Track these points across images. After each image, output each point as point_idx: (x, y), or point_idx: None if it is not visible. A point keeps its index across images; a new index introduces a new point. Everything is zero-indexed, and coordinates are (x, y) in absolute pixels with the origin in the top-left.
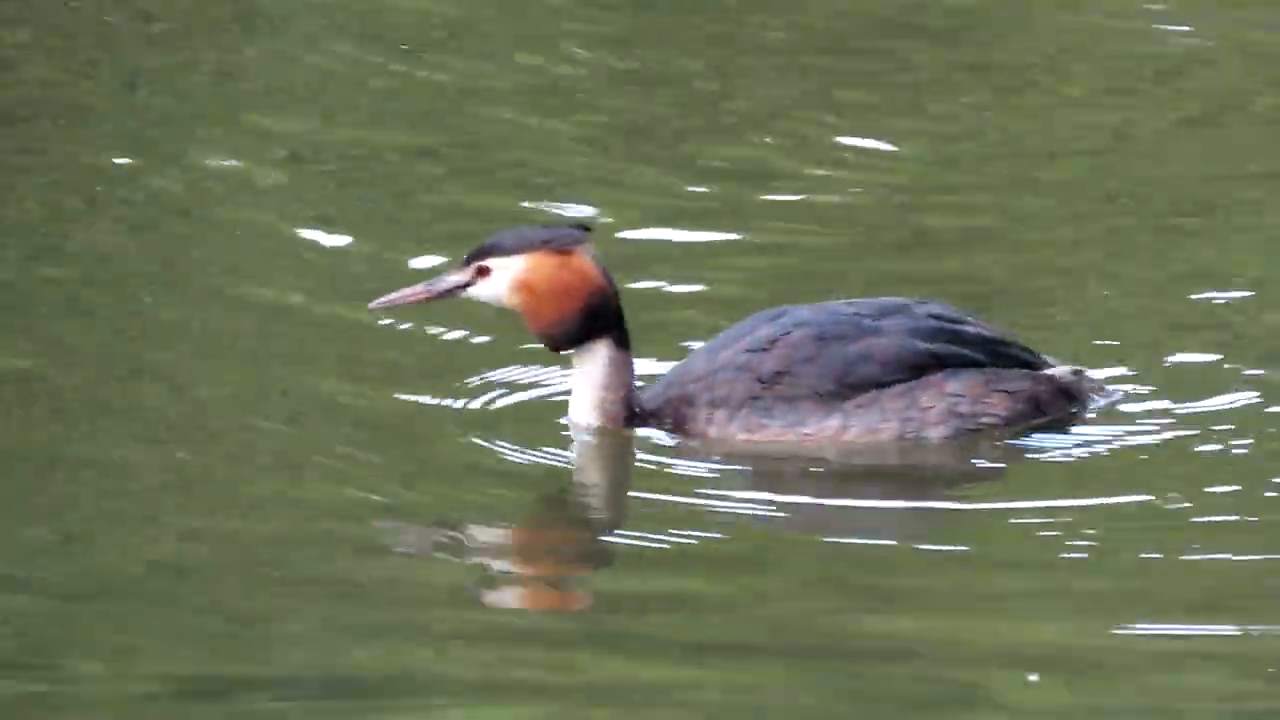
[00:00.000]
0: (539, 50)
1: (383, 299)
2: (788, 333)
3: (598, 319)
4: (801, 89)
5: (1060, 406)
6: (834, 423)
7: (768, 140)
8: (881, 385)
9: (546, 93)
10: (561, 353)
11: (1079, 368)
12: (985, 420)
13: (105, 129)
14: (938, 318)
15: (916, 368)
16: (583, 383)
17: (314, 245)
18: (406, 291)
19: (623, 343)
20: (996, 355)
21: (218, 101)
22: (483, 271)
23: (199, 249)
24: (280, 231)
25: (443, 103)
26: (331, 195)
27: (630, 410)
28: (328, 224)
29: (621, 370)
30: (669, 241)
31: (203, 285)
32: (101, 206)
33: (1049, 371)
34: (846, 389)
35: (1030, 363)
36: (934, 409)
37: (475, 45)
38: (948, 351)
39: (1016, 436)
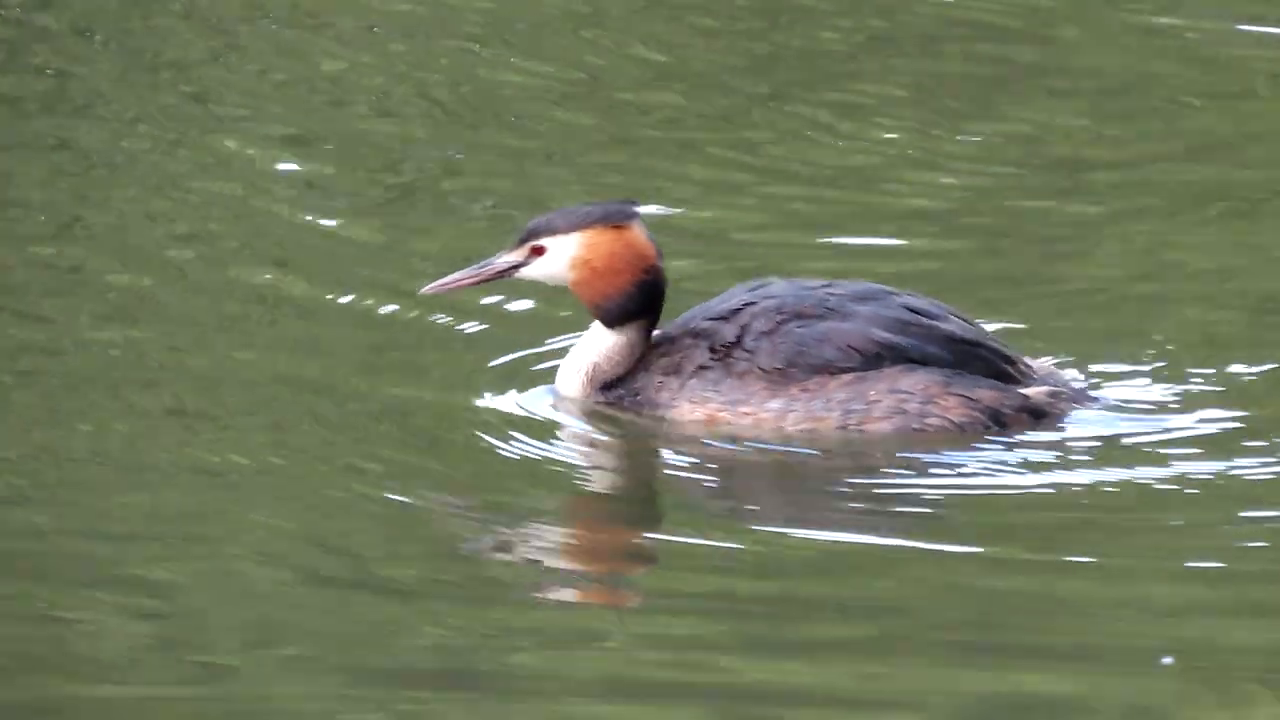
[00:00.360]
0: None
1: (435, 283)
2: (751, 304)
3: (652, 293)
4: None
5: (1024, 424)
6: (776, 405)
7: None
8: (834, 372)
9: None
10: (614, 329)
11: (1059, 389)
12: (932, 422)
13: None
14: (912, 310)
15: (873, 358)
16: (586, 351)
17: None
18: (459, 275)
19: (650, 328)
20: (967, 358)
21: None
22: (537, 250)
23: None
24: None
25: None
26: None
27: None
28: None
29: (633, 354)
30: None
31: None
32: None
33: (1023, 389)
34: (796, 370)
35: (1004, 373)
36: (880, 403)
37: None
38: (908, 345)
39: (967, 446)
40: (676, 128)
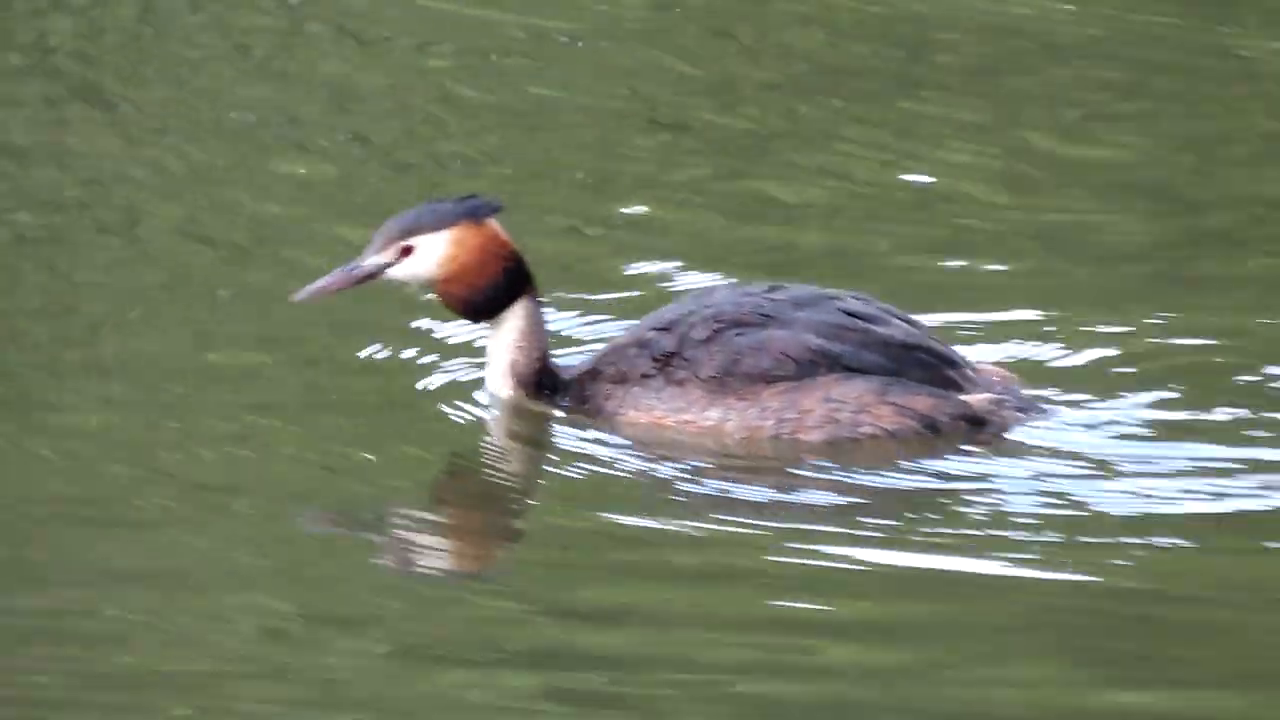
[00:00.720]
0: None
1: (305, 290)
2: (692, 312)
3: (515, 282)
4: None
5: (962, 431)
6: (714, 414)
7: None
8: (769, 380)
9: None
10: (482, 322)
11: (1005, 395)
12: (865, 431)
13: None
14: (851, 314)
15: (808, 365)
16: (498, 347)
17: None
18: (327, 280)
19: (539, 306)
20: (906, 363)
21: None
22: (406, 250)
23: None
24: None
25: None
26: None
27: (541, 381)
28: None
29: (536, 329)
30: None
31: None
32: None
33: (963, 396)
34: (733, 379)
35: (946, 378)
36: (813, 413)
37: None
38: (842, 352)
39: (913, 454)
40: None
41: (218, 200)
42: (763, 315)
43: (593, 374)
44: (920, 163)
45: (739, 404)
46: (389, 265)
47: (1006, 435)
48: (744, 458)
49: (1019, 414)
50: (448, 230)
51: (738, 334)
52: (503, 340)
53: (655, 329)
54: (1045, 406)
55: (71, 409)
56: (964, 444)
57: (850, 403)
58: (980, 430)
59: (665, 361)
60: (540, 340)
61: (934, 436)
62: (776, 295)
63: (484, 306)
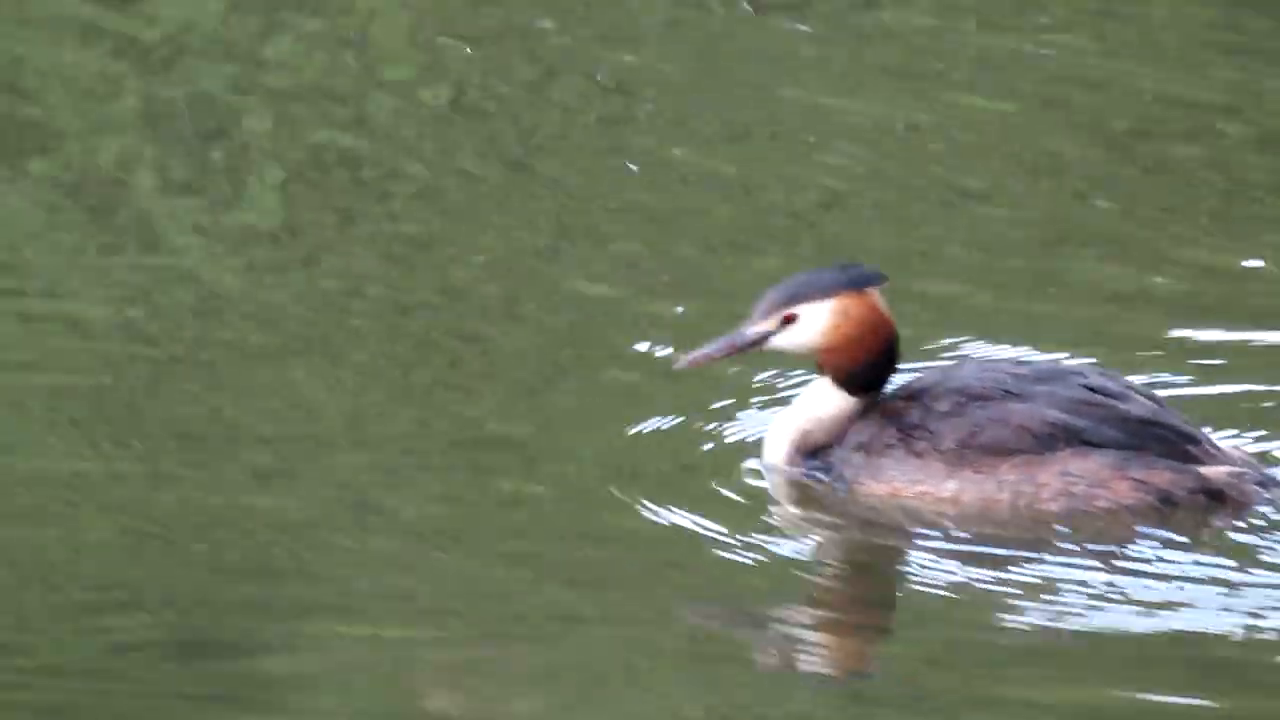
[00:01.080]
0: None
1: (691, 355)
2: (937, 383)
3: (892, 360)
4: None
5: (1201, 505)
6: (952, 485)
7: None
8: (1007, 453)
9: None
10: (859, 396)
11: (1245, 469)
12: (1101, 505)
13: None
14: (1092, 389)
15: (1046, 439)
16: (799, 415)
17: None
18: (713, 347)
19: (872, 399)
20: (1146, 438)
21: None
22: (789, 319)
23: None
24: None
25: None
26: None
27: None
28: None
29: (847, 424)
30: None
31: None
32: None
33: (1201, 469)
34: (971, 451)
35: (1185, 453)
36: (1049, 486)
37: None
38: (1083, 426)
39: (1154, 526)
40: None
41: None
42: (1004, 390)
43: (838, 439)
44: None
45: (976, 476)
46: (772, 334)
47: (1246, 510)
48: (987, 531)
49: (1259, 489)
50: (832, 299)
51: (979, 407)
52: (813, 410)
53: (902, 398)
54: None
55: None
56: (1204, 518)
57: (1087, 476)
58: (1220, 504)
59: (908, 433)
60: (842, 429)
61: (1171, 510)
62: (1020, 370)
63: (860, 380)
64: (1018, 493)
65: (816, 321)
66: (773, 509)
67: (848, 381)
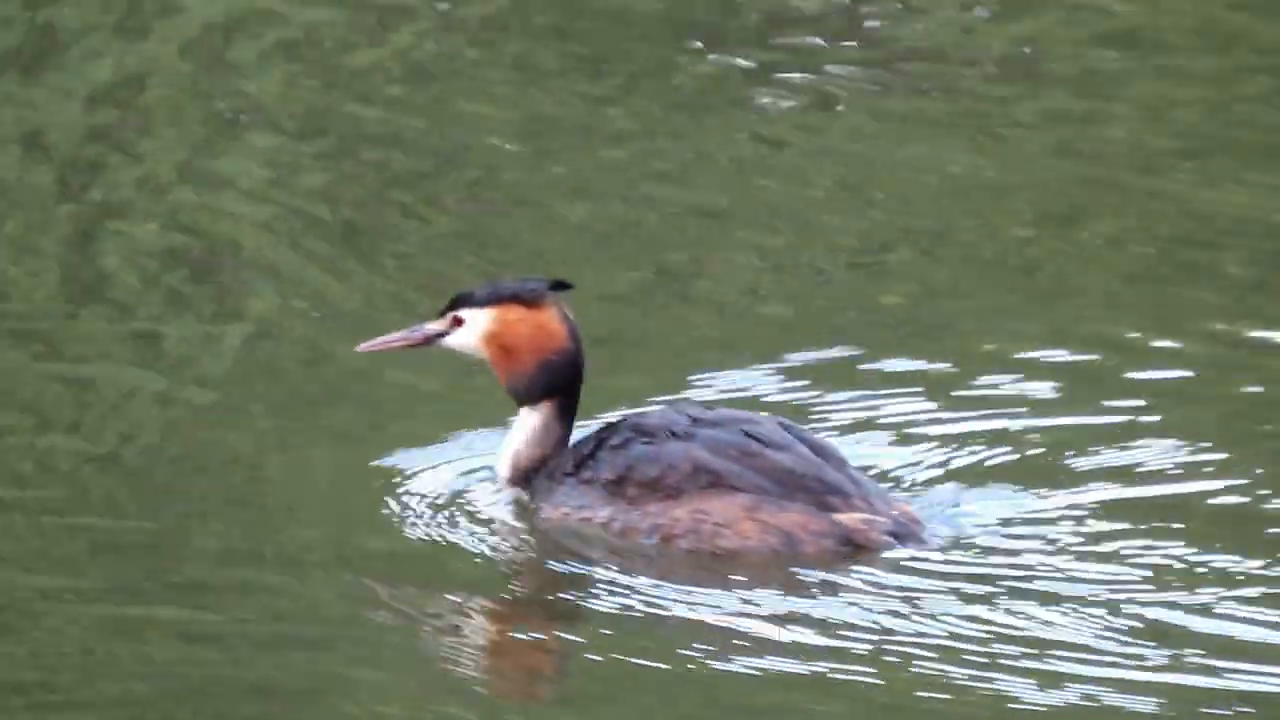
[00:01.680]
0: None
1: (370, 343)
2: (621, 422)
3: (556, 376)
4: None
5: (829, 551)
6: (605, 513)
7: None
8: (656, 489)
9: None
10: (522, 405)
11: (876, 518)
12: (724, 544)
13: None
14: (752, 436)
15: (690, 478)
16: (513, 435)
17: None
18: (391, 337)
19: (566, 410)
20: (789, 487)
21: None
22: (457, 321)
23: None
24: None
25: None
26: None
27: (529, 475)
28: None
29: (549, 436)
30: None
31: None
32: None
33: (836, 515)
34: (627, 484)
35: (826, 502)
36: (681, 521)
37: None
38: (725, 470)
39: (781, 567)
40: None
41: None
42: (671, 431)
43: (545, 466)
44: None
45: (626, 507)
46: (443, 334)
47: (874, 555)
48: (635, 558)
49: (889, 538)
50: (493, 308)
51: (643, 443)
52: (520, 430)
53: (595, 433)
54: (927, 536)
55: None
56: (831, 563)
57: (715, 515)
58: (850, 550)
59: (581, 463)
60: (549, 445)
61: (796, 553)
62: (702, 414)
63: (521, 391)
64: (655, 525)
65: (476, 328)
66: (490, 524)
67: (512, 392)
